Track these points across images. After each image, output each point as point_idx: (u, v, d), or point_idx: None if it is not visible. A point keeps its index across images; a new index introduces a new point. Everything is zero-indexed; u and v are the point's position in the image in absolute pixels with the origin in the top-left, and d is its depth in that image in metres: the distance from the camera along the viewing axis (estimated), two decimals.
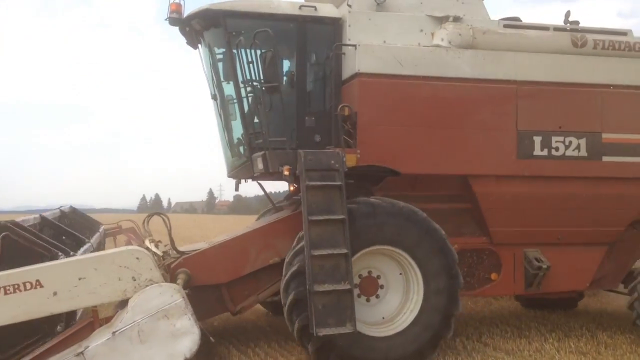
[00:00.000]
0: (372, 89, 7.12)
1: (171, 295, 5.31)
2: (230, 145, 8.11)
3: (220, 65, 7.73)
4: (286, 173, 6.62)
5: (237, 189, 8.80)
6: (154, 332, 5.21)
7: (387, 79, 7.16)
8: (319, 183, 6.29)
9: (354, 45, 7.16)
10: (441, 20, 7.58)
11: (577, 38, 7.78)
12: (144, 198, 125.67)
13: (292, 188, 7.20)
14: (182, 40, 8.06)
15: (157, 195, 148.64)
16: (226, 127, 8.04)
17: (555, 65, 7.63)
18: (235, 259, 7.07)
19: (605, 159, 7.69)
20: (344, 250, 6.12)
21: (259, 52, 7.04)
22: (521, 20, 8.25)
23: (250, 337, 8.10)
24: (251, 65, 6.95)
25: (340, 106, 7.02)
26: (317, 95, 7.61)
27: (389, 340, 6.55)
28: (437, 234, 6.74)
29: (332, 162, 6.44)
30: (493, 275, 7.81)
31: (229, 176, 8.39)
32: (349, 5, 7.48)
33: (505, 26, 7.79)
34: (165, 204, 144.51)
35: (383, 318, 6.80)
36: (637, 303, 7.63)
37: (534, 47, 7.65)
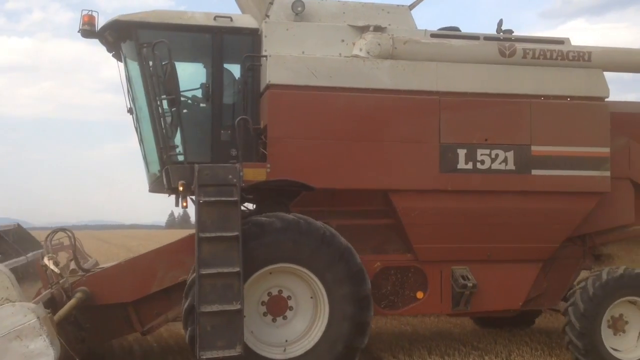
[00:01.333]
0: (283, 101, 6.90)
1: (24, 315, 5.09)
2: (146, 159, 7.92)
3: (134, 78, 7.56)
4: (180, 188, 6.42)
5: (177, 204, 8.55)
6: (6, 353, 5.00)
7: (300, 90, 6.94)
8: (213, 199, 6.06)
9: (264, 57, 6.96)
10: (362, 30, 7.34)
11: (505, 47, 7.50)
12: (172, 214, 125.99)
13: (184, 204, 6.97)
14: None
15: (185, 212, 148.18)
16: (142, 141, 7.86)
17: (480, 75, 7.37)
18: (141, 278, 6.87)
19: (535, 172, 7.38)
20: (236, 269, 5.88)
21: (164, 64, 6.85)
22: (460, 31, 7.99)
23: None
24: (154, 78, 6.77)
25: (238, 119, 6.81)
26: (235, 108, 7.39)
27: None
28: (335, 244, 6.47)
29: (230, 176, 6.21)
30: (419, 294, 7.50)
31: (149, 191, 8.18)
32: (267, 16, 7.29)
33: (432, 36, 7.54)
34: (193, 220, 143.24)
35: (286, 341, 6.53)
36: (569, 327, 7.28)
37: (459, 56, 7.39)
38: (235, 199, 6.11)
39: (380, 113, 7.10)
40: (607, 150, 7.54)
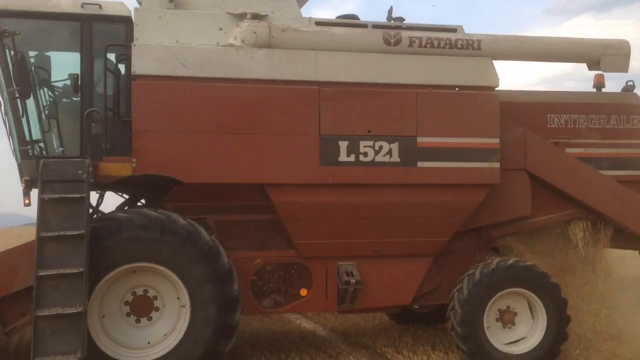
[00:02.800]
0: (149, 93, 6.59)
1: None
2: (15, 153, 7.58)
3: None
4: (23, 185, 6.11)
5: None
6: None
7: (168, 81, 6.63)
8: (57, 196, 5.76)
9: (127, 46, 6.64)
10: (240, 17, 7.02)
11: (390, 35, 7.23)
12: None
13: (26, 201, 6.65)
14: None
15: None
16: (9, 134, 7.52)
17: (363, 64, 7.09)
18: (1, 276, 6.54)
19: (420, 164, 7.14)
20: (80, 270, 5.59)
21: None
22: (358, 19, 7.70)
23: (282, 348, 8.04)
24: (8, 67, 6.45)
25: (87, 111, 6.50)
26: (108, 100, 7.05)
27: None
28: (200, 243, 6.20)
29: (79, 172, 5.91)
30: (302, 291, 7.26)
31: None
32: (139, 3, 6.96)
33: (317, 24, 7.25)
34: None
35: (148, 343, 6.26)
36: (452, 313, 7.10)
37: (340, 45, 7.11)
38: (82, 195, 5.81)
39: (255, 104, 6.82)
40: (496, 141, 7.32)
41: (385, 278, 7.40)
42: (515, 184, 7.74)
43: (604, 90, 8.78)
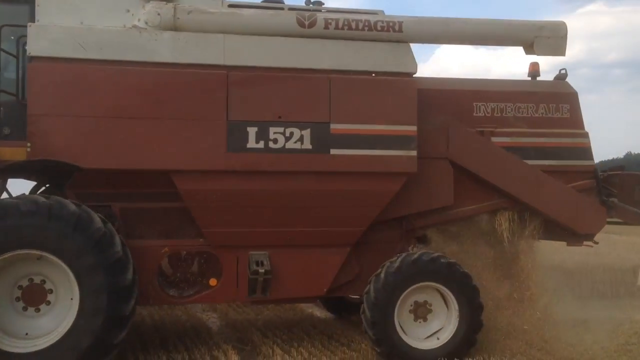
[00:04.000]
0: (44, 75, 6.36)
1: None
2: None
3: None
4: None
5: None
6: None
7: (65, 63, 6.40)
8: None
9: (23, 26, 6.42)
10: None
11: (304, 17, 7.01)
12: None
13: None
14: None
15: None
16: None
17: (273, 48, 6.88)
18: None
19: (334, 152, 6.94)
20: None
21: None
22: (323, 4, 7.50)
23: (294, 336, 8.11)
24: None
25: None
26: (7, 82, 6.83)
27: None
28: (90, 230, 5.99)
29: None
30: (212, 281, 7.08)
31: None
32: None
33: (230, 6, 7.02)
34: None
35: (26, 334, 6.02)
36: (363, 315, 6.95)
37: (251, 28, 6.90)
38: None
39: (159, 88, 6.60)
40: (413, 128, 7.13)
41: (299, 268, 7.23)
42: (437, 173, 7.58)
43: (539, 79, 8.63)
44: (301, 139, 6.86)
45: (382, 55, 7.11)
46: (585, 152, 8.14)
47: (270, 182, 6.86)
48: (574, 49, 78.90)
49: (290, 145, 6.84)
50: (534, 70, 8.62)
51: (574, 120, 8.16)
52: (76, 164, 6.36)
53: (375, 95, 7.05)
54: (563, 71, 8.51)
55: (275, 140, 6.81)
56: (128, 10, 6.77)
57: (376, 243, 7.58)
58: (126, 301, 6.09)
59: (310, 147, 6.88)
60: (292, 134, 6.84)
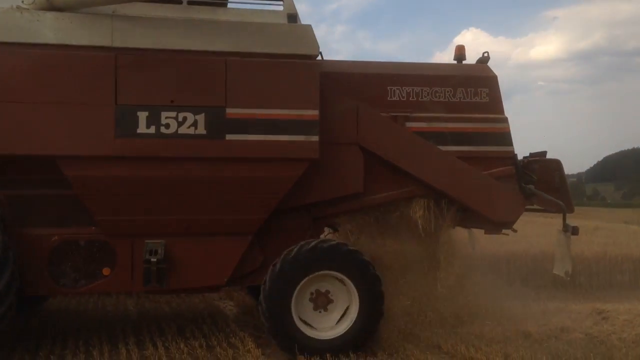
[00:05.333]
0: None
1: None
2: None
3: None
4: None
5: None
6: None
7: None
8: None
9: None
10: None
11: None
12: None
13: None
14: None
15: None
16: None
17: (164, 29, 6.63)
18: None
19: (230, 137, 6.70)
20: None
21: None
22: None
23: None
24: None
25: None
26: None
27: None
28: None
29: None
30: (105, 270, 6.87)
31: None
32: None
33: None
34: None
35: None
36: (260, 307, 6.77)
37: (139, 8, 6.64)
38: None
39: (43, 71, 6.36)
40: (315, 112, 6.89)
41: (198, 257, 7.02)
42: (345, 160, 7.36)
43: (464, 62, 8.39)
44: (195, 124, 6.63)
45: (281, 36, 6.87)
46: (504, 137, 7.90)
47: (163, 168, 6.64)
48: (595, 36, 77.68)
49: (183, 130, 6.60)
50: (460, 53, 8.40)
51: (493, 104, 7.91)
52: None
53: (274, 78, 6.81)
54: (486, 54, 8.25)
55: (167, 126, 6.57)
56: None
57: (283, 231, 7.35)
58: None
59: (204, 132, 6.64)
60: (185, 118, 6.61)
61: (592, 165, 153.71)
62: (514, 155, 7.95)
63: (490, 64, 8.14)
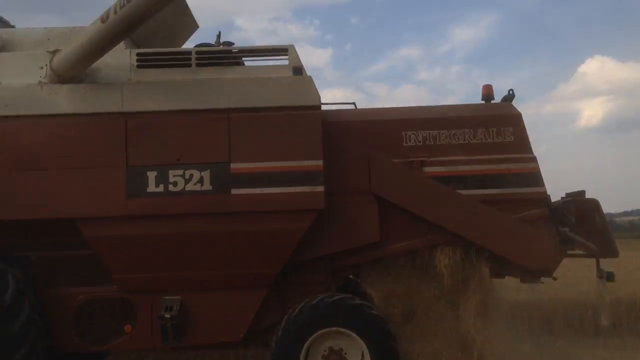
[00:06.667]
0: None
1: None
2: None
3: None
4: None
5: None
6: None
7: None
8: None
9: None
10: (55, 54, 7.15)
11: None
12: None
13: None
14: None
15: None
16: None
17: (168, 91, 6.95)
18: None
19: (235, 191, 6.81)
20: None
21: None
22: (233, 44, 7.63)
23: None
24: None
25: None
26: None
27: None
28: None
29: None
30: (127, 327, 7.09)
31: None
32: None
33: (139, 54, 7.18)
34: None
35: None
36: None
37: (155, 74, 7.03)
38: None
39: (61, 139, 6.83)
40: (319, 163, 6.85)
41: (213, 313, 7.06)
42: (359, 208, 7.20)
43: (493, 102, 8.05)
44: (201, 180, 6.81)
45: (282, 90, 6.96)
46: (533, 177, 7.39)
47: (173, 225, 6.83)
48: None
49: (190, 187, 6.79)
50: (487, 93, 8.03)
51: (519, 143, 7.46)
52: None
53: (276, 131, 6.88)
54: (511, 91, 7.87)
55: (175, 183, 6.80)
56: (42, 68, 7.13)
57: (301, 284, 7.26)
58: (15, 349, 6.21)
59: (210, 188, 6.80)
60: (191, 175, 6.81)
61: None
62: (546, 197, 7.40)
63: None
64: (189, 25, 8.75)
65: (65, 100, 6.88)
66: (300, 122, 6.89)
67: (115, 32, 6.35)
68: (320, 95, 6.97)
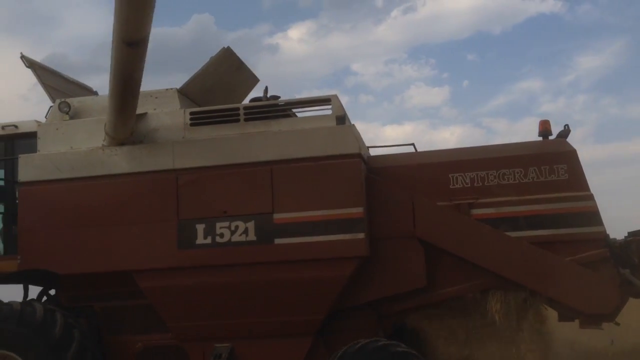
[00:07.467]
0: (29, 197, 7.55)
1: None
2: None
3: None
4: None
5: None
6: None
7: (45, 185, 7.52)
8: None
9: (15, 158, 7.75)
10: None
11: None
12: None
13: None
14: None
15: None
16: None
17: (216, 147, 7.31)
18: None
19: (278, 241, 7.00)
20: None
21: None
22: (279, 97, 8.03)
23: None
24: None
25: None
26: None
27: None
28: (50, 334, 6.78)
29: None
30: None
31: None
32: (45, 119, 8.10)
33: (192, 113, 7.64)
34: None
35: None
36: None
37: (207, 131, 7.45)
38: None
39: (120, 197, 7.37)
40: (360, 210, 6.90)
41: (262, 359, 7.21)
42: (404, 254, 7.14)
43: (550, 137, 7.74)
44: (246, 232, 7.06)
45: (320, 140, 7.11)
46: (590, 216, 6.98)
47: (220, 275, 7.10)
48: None
49: (235, 238, 7.06)
50: (545, 129, 7.73)
51: (575, 181, 7.09)
52: (53, 270, 7.32)
53: (318, 180, 7.02)
54: (566, 127, 7.53)
55: (221, 235, 7.09)
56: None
57: (348, 331, 7.22)
58: None
59: (254, 238, 7.03)
60: (237, 227, 7.08)
61: None
62: (605, 236, 6.96)
63: None
64: (248, 79, 9.17)
65: (123, 161, 7.43)
66: (340, 170, 6.99)
67: (119, 90, 6.68)
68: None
